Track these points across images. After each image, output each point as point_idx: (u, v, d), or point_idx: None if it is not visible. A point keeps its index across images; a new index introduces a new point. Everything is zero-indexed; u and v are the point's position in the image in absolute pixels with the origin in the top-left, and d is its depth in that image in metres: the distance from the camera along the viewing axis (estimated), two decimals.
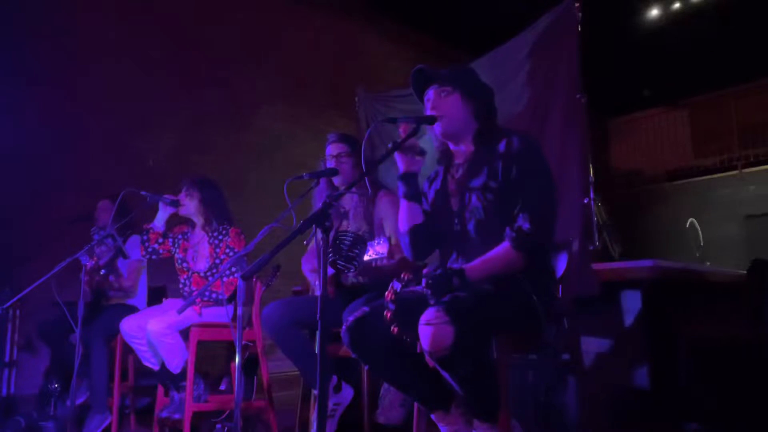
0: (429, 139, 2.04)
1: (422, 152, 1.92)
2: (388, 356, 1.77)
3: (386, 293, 1.59)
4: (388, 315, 1.58)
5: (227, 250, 2.96)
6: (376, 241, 1.95)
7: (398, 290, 1.58)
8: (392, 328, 1.58)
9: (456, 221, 1.88)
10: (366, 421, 2.54)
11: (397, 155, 1.90)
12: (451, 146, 1.99)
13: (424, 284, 1.57)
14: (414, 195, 1.96)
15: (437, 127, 1.90)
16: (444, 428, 1.80)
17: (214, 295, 2.89)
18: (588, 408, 2.57)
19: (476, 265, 1.69)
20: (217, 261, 2.97)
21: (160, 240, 3.05)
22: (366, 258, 1.91)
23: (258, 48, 5.59)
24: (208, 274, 2.98)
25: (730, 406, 2.67)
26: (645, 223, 8.81)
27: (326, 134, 2.80)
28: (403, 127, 1.88)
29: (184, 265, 3.09)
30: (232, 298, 2.91)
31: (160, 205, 3.03)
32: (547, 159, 1.84)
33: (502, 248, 1.72)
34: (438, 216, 1.96)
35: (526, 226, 1.70)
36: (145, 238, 3.03)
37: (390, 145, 1.83)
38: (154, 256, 3.08)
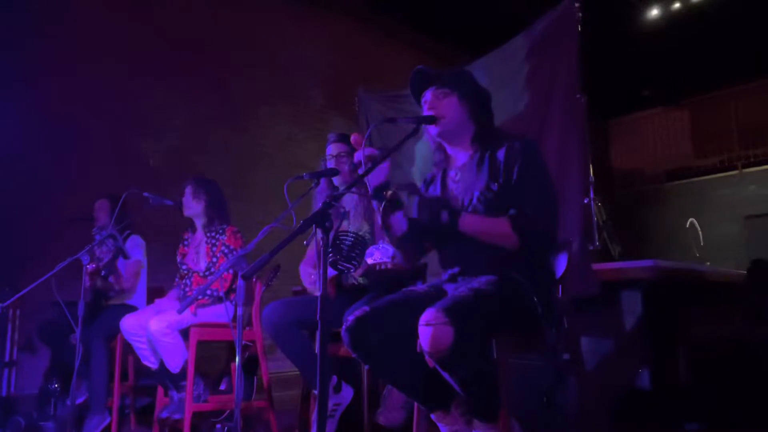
0: (426, 142, 2.03)
1: (383, 156, 1.87)
2: (388, 356, 1.77)
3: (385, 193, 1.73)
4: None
5: (223, 248, 2.99)
6: (382, 245, 1.95)
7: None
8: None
9: None
10: (366, 421, 2.54)
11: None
12: (448, 149, 1.99)
13: (416, 203, 1.68)
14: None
15: (434, 128, 1.90)
16: (444, 428, 1.80)
17: (209, 292, 2.90)
18: (588, 408, 2.57)
19: (471, 218, 1.74)
20: (214, 259, 2.99)
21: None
22: (371, 261, 1.91)
23: (258, 48, 5.59)
24: (207, 273, 3.00)
25: (730, 406, 2.67)
26: (645, 223, 8.81)
27: (326, 134, 2.81)
28: (355, 137, 1.86)
29: (183, 267, 3.12)
30: (229, 293, 2.93)
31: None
32: (546, 163, 1.85)
33: (501, 219, 1.75)
34: None
35: (528, 212, 1.73)
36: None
37: (388, 146, 1.82)
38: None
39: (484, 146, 1.89)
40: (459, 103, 1.90)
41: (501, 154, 1.83)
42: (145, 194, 2.93)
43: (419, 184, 2.11)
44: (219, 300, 2.88)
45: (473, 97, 1.92)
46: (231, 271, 2.87)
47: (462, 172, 1.93)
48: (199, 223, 3.14)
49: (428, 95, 1.92)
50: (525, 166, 1.78)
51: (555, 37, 3.16)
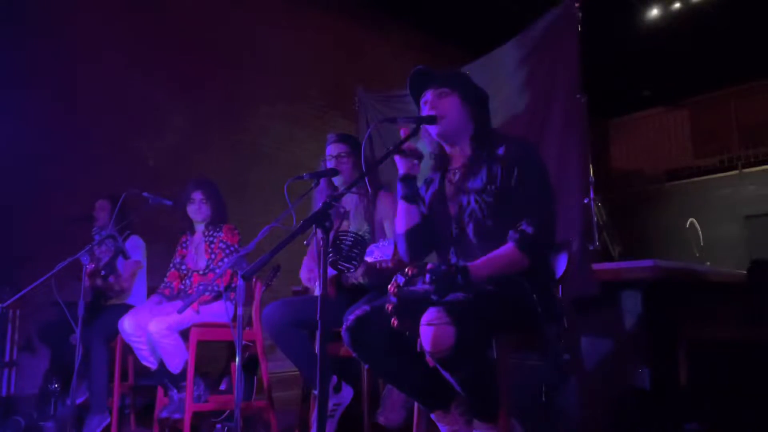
0: (424, 143, 2.04)
1: (420, 156, 1.93)
2: (389, 355, 1.77)
3: (389, 286, 1.59)
4: (390, 308, 1.57)
5: (221, 245, 3.04)
6: (381, 243, 1.95)
7: (401, 284, 1.58)
8: (392, 320, 1.57)
9: (454, 225, 1.89)
10: (366, 421, 2.54)
11: (397, 158, 1.91)
12: (447, 149, 1.99)
13: (428, 279, 1.57)
14: (413, 197, 1.96)
15: (435, 128, 1.90)
16: (444, 428, 1.80)
17: (210, 287, 2.92)
18: (588, 408, 2.57)
19: (480, 264, 1.68)
20: (213, 256, 3.03)
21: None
22: (370, 260, 1.91)
23: (258, 48, 5.59)
24: (207, 271, 3.03)
25: (730, 406, 2.67)
26: (645, 223, 8.80)
27: (326, 134, 2.81)
28: (403, 129, 1.88)
29: (183, 267, 3.14)
30: (228, 289, 2.94)
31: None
32: (544, 163, 1.85)
33: (507, 248, 1.72)
34: (436, 220, 1.97)
35: (530, 228, 1.71)
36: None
37: (390, 147, 1.83)
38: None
39: (482, 147, 1.89)
40: (460, 103, 1.90)
41: (499, 152, 1.83)
42: (145, 194, 2.94)
43: (420, 184, 2.11)
44: (219, 295, 2.90)
45: (473, 98, 1.93)
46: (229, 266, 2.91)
47: (460, 173, 1.93)
48: (202, 225, 3.16)
49: (429, 95, 1.92)
50: (523, 170, 1.78)
51: (555, 36, 3.16)
